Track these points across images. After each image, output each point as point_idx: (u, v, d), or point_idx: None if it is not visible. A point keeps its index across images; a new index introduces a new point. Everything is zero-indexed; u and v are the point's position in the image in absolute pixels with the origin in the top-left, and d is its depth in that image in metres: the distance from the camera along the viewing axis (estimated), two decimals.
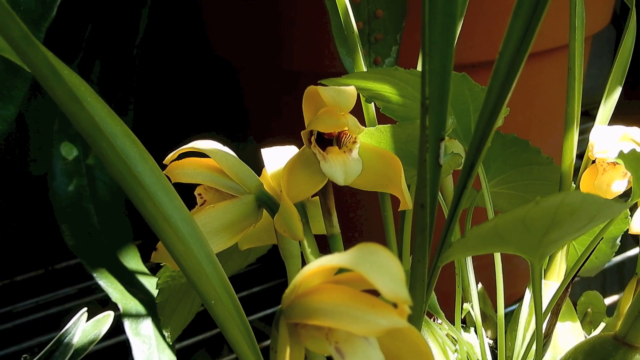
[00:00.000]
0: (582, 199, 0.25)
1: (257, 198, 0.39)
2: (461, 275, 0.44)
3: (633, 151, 0.34)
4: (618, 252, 0.73)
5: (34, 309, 0.78)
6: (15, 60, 0.32)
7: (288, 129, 0.56)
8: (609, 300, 0.62)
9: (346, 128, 0.35)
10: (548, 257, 0.44)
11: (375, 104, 0.43)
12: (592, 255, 0.52)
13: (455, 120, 0.39)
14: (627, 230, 0.55)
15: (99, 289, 0.60)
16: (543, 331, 0.38)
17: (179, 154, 0.40)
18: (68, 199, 0.62)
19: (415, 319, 0.31)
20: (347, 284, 0.27)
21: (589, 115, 0.98)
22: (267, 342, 0.65)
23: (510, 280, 0.47)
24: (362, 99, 0.43)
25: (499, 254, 0.44)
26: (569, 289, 0.39)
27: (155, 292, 0.49)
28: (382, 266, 0.24)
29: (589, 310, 0.47)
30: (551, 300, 0.38)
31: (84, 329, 0.48)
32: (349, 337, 0.26)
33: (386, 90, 0.40)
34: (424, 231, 0.30)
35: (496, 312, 0.44)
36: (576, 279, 0.53)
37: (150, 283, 0.60)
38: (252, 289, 0.79)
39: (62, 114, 0.63)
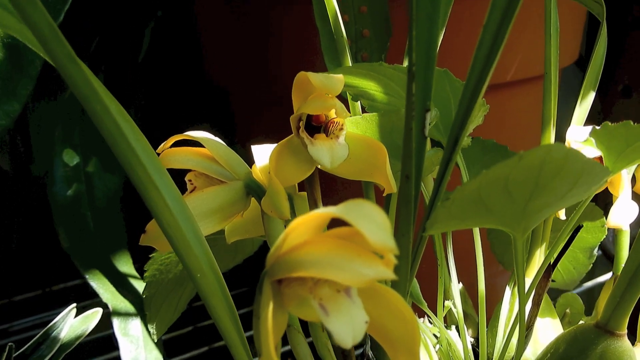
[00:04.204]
0: (566, 154, 0.23)
1: (246, 185, 0.37)
2: (442, 267, 0.42)
3: (605, 124, 0.32)
4: (588, 277, 0.72)
5: (30, 327, 0.76)
6: (19, 37, 0.30)
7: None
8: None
9: (333, 110, 0.34)
10: (527, 251, 0.42)
11: (361, 103, 0.41)
12: (570, 266, 0.50)
13: (438, 112, 0.38)
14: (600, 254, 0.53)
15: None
16: (525, 319, 0.36)
17: (171, 144, 0.38)
18: (66, 203, 0.59)
19: (400, 289, 0.29)
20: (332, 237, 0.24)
21: None
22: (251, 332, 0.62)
23: (489, 286, 0.45)
24: (349, 98, 0.42)
25: (480, 255, 0.42)
26: (549, 280, 0.37)
27: None
28: (368, 215, 0.22)
29: (568, 310, 0.45)
30: (531, 284, 0.36)
31: (72, 324, 0.45)
32: (333, 295, 0.24)
33: (371, 87, 0.39)
34: (408, 203, 0.28)
35: (477, 308, 0.42)
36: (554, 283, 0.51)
37: (140, 286, 0.57)
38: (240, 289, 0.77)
39: (64, 122, 0.62)
